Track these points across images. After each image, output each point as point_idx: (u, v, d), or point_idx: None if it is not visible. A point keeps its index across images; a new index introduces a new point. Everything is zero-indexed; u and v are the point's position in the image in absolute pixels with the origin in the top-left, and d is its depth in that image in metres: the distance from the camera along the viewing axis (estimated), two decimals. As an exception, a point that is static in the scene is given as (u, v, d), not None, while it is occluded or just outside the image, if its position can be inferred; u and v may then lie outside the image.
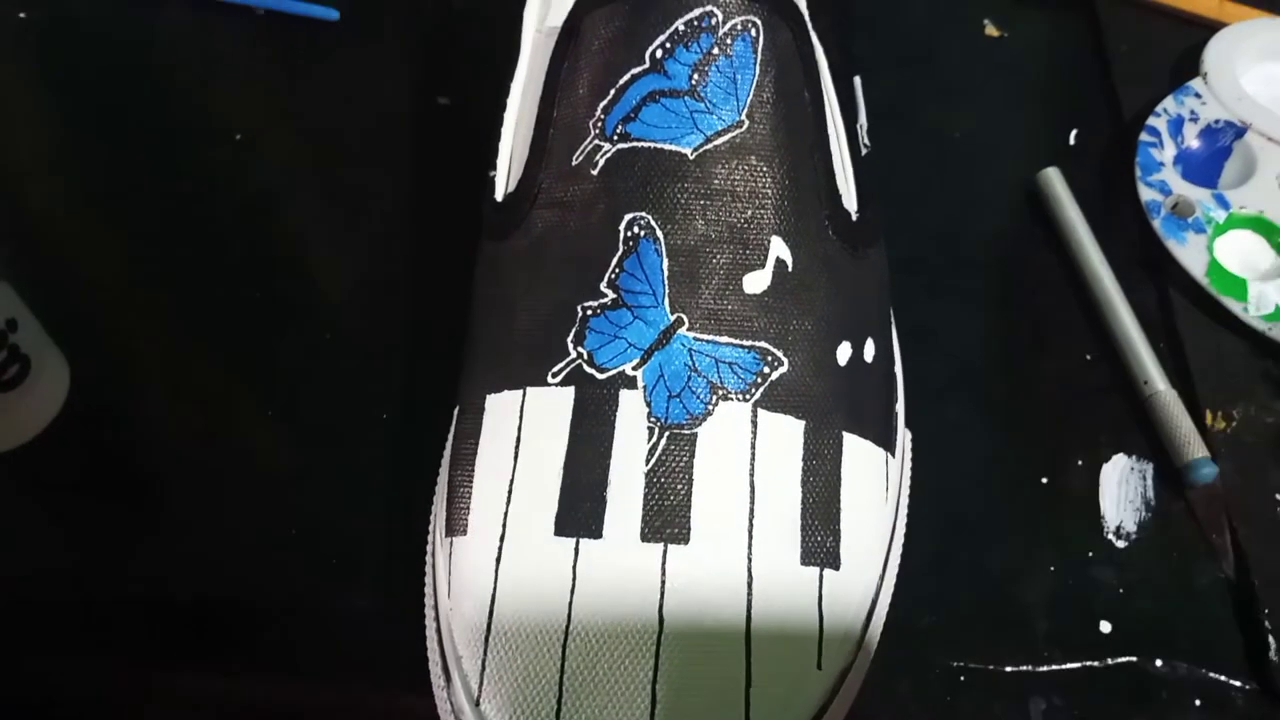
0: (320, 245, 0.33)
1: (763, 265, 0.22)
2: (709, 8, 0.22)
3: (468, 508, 0.23)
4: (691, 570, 0.21)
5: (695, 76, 0.22)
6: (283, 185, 0.35)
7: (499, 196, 0.25)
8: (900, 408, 0.26)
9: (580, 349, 0.22)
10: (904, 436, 0.26)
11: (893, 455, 0.24)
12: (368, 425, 0.29)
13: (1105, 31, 0.37)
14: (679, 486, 0.21)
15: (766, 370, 0.22)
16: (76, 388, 0.30)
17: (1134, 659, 0.25)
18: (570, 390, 0.22)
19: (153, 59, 0.38)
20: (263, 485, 0.28)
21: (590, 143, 0.23)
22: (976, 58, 0.37)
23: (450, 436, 0.25)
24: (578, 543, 0.21)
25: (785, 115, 0.23)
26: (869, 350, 0.24)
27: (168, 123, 0.36)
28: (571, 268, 0.23)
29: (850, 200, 0.24)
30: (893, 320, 0.27)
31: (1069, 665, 0.24)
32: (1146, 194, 0.32)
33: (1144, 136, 0.33)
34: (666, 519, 0.21)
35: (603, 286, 0.22)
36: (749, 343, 0.22)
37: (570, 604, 0.20)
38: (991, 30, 0.38)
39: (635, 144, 0.22)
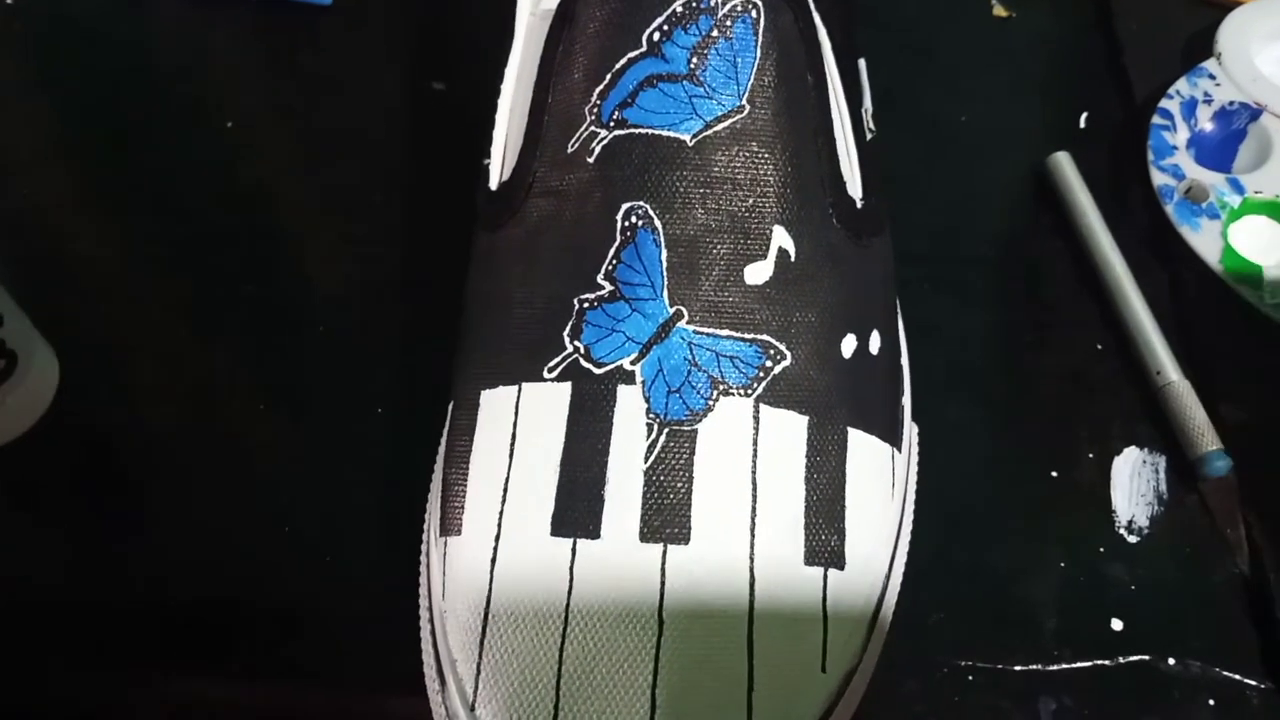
0: (314, 237, 0.33)
1: (764, 255, 0.22)
2: (708, -12, 0.21)
3: (462, 507, 0.22)
4: (692, 571, 0.20)
5: (694, 60, 0.21)
6: (276, 175, 0.34)
7: (493, 185, 0.24)
8: (907, 401, 0.26)
9: (577, 343, 0.22)
10: (910, 431, 0.25)
11: (899, 451, 0.24)
12: (363, 421, 0.28)
13: (1115, 12, 0.36)
14: (679, 485, 0.20)
15: (769, 364, 0.21)
16: (66, 384, 0.29)
17: (1146, 657, 0.24)
18: (567, 386, 0.21)
19: (142, 49, 0.37)
20: (255, 484, 0.27)
21: (586, 129, 0.22)
22: (983, 40, 0.36)
23: (445, 433, 0.24)
24: (575, 543, 0.20)
25: (787, 99, 0.22)
26: (874, 342, 0.23)
27: (158, 112, 0.35)
28: (567, 259, 0.22)
29: (855, 187, 0.24)
30: (899, 311, 0.27)
31: (1079, 664, 0.24)
32: (1159, 179, 0.31)
33: (1156, 120, 0.32)
34: (666, 518, 0.20)
35: (599, 278, 0.22)
36: (750, 336, 0.21)
37: (567, 606, 0.20)
38: (999, 10, 0.37)
39: (632, 130, 0.22)
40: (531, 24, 0.25)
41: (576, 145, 0.22)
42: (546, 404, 0.21)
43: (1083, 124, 0.34)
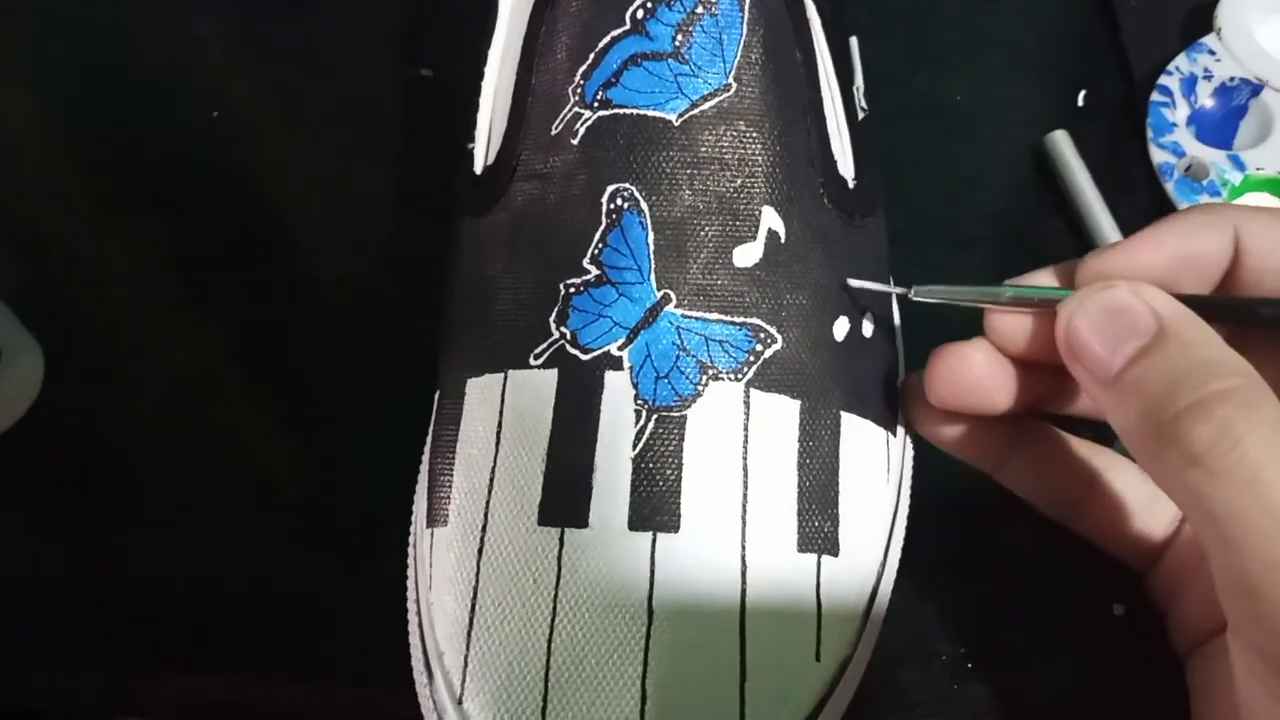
0: (300, 225, 0.32)
1: (754, 237, 0.21)
2: (692, -36, 0.21)
3: (448, 497, 0.22)
4: (682, 560, 0.20)
5: (679, 37, 0.21)
6: (261, 163, 0.34)
7: (478, 170, 0.24)
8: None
9: (563, 329, 0.21)
10: (905, 415, 0.25)
11: (894, 435, 0.23)
12: (349, 411, 0.28)
13: (1114, -13, 0.36)
14: (668, 472, 0.20)
15: (759, 348, 0.21)
16: (51, 377, 0.29)
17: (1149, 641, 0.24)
18: (553, 373, 0.21)
19: (126, 35, 0.37)
20: (242, 477, 0.27)
21: (570, 110, 0.21)
22: (978, 16, 0.36)
23: (431, 422, 0.24)
24: (562, 533, 0.20)
25: (775, 77, 0.21)
26: (867, 325, 0.23)
27: (142, 101, 0.35)
28: (552, 243, 0.22)
29: (846, 166, 0.23)
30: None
31: (1080, 650, 0.24)
32: (1159, 156, 0.31)
33: (1155, 96, 0.32)
34: (655, 506, 0.20)
35: (585, 262, 0.21)
36: (740, 319, 0.21)
37: (555, 597, 0.19)
38: (995, -13, 0.37)
39: (617, 111, 0.21)
40: (515, 4, 0.24)
41: (560, 127, 0.22)
42: (533, 391, 0.21)
43: (1081, 101, 0.33)
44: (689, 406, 0.20)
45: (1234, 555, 0.16)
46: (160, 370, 0.29)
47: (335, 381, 0.28)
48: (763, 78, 0.21)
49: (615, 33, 0.21)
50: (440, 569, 0.21)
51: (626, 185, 0.21)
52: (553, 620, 0.19)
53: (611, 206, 0.21)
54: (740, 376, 0.21)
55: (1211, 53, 0.32)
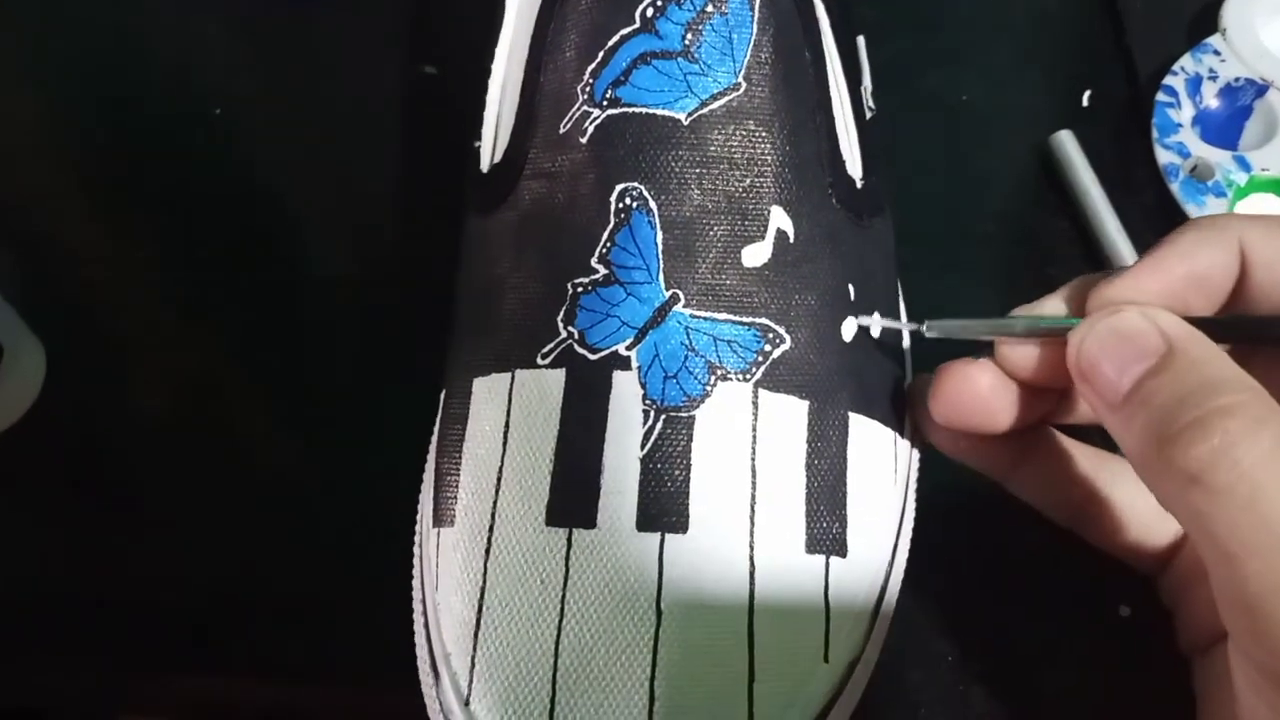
0: (305, 224, 0.32)
1: (763, 237, 0.21)
2: (702, -38, 0.21)
3: (455, 497, 0.21)
4: (690, 560, 0.19)
5: (689, 36, 0.21)
6: (264, 163, 0.33)
7: (484, 168, 0.24)
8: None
9: (571, 328, 0.21)
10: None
11: (901, 435, 0.23)
12: (349, 412, 0.28)
13: (1119, -13, 0.36)
14: (676, 472, 0.20)
15: (768, 348, 0.21)
16: (53, 376, 0.28)
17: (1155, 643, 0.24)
18: (561, 372, 0.21)
19: (130, 35, 0.37)
20: (246, 478, 0.27)
21: (578, 109, 0.21)
22: (984, 16, 0.36)
23: (437, 422, 0.24)
24: (570, 533, 0.20)
25: (785, 76, 0.21)
26: (875, 326, 0.23)
27: (145, 99, 0.35)
28: (560, 242, 0.21)
29: (854, 166, 0.23)
30: (901, 293, 0.26)
31: (1087, 652, 0.23)
32: (1164, 157, 0.31)
33: (1160, 97, 0.32)
34: (663, 507, 0.20)
35: (594, 262, 0.21)
36: (749, 319, 0.21)
37: (563, 598, 0.19)
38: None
39: (626, 109, 0.21)
40: (523, 1, 0.24)
41: (569, 126, 0.21)
42: (540, 391, 0.21)
43: (1086, 102, 0.33)
44: (697, 407, 0.20)
45: (1234, 574, 0.16)
46: (161, 370, 0.29)
47: (336, 381, 0.28)
48: (773, 77, 0.21)
49: (625, 31, 0.21)
50: (446, 569, 0.21)
51: (635, 184, 0.21)
52: (560, 621, 0.19)
53: (620, 206, 0.21)
54: (749, 377, 0.21)
55: (1217, 53, 0.32)
